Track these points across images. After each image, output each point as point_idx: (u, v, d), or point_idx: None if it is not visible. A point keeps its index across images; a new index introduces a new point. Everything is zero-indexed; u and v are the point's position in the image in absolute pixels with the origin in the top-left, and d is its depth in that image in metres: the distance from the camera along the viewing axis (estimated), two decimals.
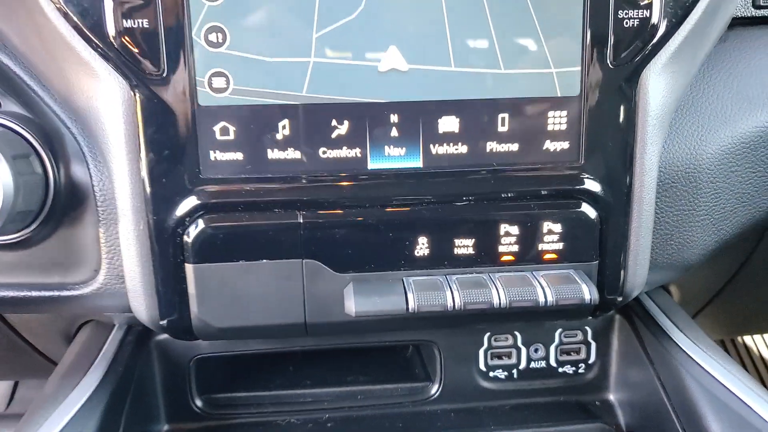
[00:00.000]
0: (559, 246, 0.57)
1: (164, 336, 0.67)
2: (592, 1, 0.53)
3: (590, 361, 0.73)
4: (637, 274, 0.60)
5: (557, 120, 0.55)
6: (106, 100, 0.51)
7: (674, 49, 0.55)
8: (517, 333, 0.71)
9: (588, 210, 0.57)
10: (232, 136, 0.52)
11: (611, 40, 0.53)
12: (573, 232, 0.57)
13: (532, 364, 0.72)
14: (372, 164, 0.54)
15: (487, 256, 0.57)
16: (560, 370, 0.73)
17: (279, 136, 0.53)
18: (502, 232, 0.56)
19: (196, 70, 0.51)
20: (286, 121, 0.53)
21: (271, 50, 0.51)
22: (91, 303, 0.60)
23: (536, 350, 0.72)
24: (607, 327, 0.73)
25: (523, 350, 0.72)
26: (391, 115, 0.53)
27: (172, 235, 0.53)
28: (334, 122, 0.53)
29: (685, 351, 0.64)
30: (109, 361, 0.63)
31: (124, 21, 0.49)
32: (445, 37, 0.52)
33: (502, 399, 0.73)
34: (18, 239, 0.56)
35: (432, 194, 0.55)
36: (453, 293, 0.54)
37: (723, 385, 0.59)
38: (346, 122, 0.53)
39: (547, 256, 0.57)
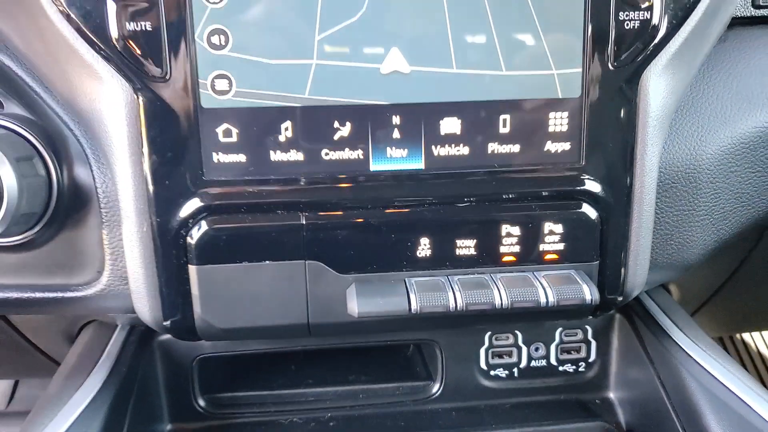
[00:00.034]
0: (560, 246, 0.57)
1: (167, 336, 0.68)
2: (593, 3, 0.53)
3: (590, 360, 0.73)
4: (637, 274, 0.60)
5: (558, 121, 0.55)
6: (109, 102, 0.51)
7: (675, 50, 0.55)
8: (517, 332, 0.72)
9: (589, 210, 0.57)
10: (234, 138, 0.53)
11: (612, 41, 0.54)
12: (574, 232, 0.57)
13: (533, 363, 0.73)
14: (374, 166, 0.54)
15: (488, 257, 0.57)
16: (561, 368, 0.73)
17: (281, 138, 0.53)
18: (503, 233, 0.57)
19: (199, 73, 0.51)
20: (288, 123, 0.53)
21: (273, 52, 0.51)
22: (94, 304, 0.61)
23: (537, 349, 0.73)
24: (607, 326, 0.73)
25: (524, 349, 0.72)
26: (393, 117, 0.54)
27: (176, 237, 0.54)
28: (336, 124, 0.53)
29: (684, 350, 0.65)
30: (113, 362, 0.64)
31: (127, 24, 0.49)
32: (446, 39, 0.52)
33: (503, 397, 0.73)
34: (22, 241, 0.56)
35: (434, 195, 0.56)
36: (455, 294, 0.54)
37: (722, 384, 0.60)
38: (348, 124, 0.53)
39: (548, 257, 0.58)
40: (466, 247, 0.56)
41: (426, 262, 0.56)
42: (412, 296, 0.54)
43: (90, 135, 0.56)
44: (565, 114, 0.55)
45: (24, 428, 0.57)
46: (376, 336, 0.71)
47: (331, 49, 0.52)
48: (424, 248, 0.56)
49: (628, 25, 0.54)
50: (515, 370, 0.73)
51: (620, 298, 0.61)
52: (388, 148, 0.54)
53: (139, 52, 0.50)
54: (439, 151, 0.55)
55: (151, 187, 0.53)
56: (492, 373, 0.73)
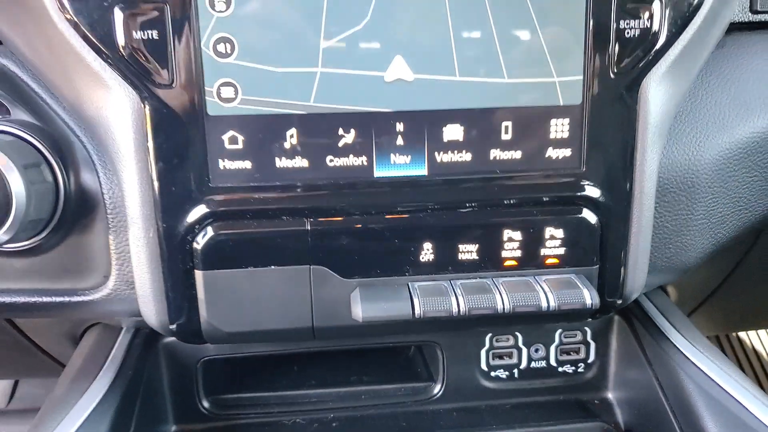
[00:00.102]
0: (561, 251, 0.58)
1: (172, 338, 0.68)
2: (595, 12, 0.53)
3: (589, 361, 0.74)
4: (636, 278, 0.61)
5: (559, 128, 0.56)
6: (115, 110, 0.52)
7: (674, 57, 0.56)
8: (518, 333, 0.73)
9: (589, 216, 0.58)
10: (240, 145, 0.53)
11: (613, 49, 0.54)
12: (574, 237, 0.58)
13: (533, 364, 0.74)
14: (378, 172, 0.55)
15: (490, 261, 0.58)
16: (560, 369, 0.74)
17: (287, 145, 0.54)
18: (505, 238, 0.57)
19: (205, 81, 0.52)
20: (293, 130, 0.53)
21: (278, 60, 0.52)
22: (100, 308, 0.61)
23: (537, 350, 0.74)
24: (606, 327, 0.74)
25: (524, 350, 0.73)
26: (397, 124, 0.54)
27: (182, 243, 0.54)
28: (340, 131, 0.54)
29: (682, 352, 0.66)
30: (119, 365, 0.64)
31: (134, 32, 0.50)
32: (450, 48, 0.53)
33: (503, 398, 0.74)
34: (29, 246, 0.57)
35: (436, 201, 0.56)
36: (458, 298, 0.55)
37: (719, 385, 0.61)
38: (352, 131, 0.54)
39: (549, 261, 0.58)
40: (468, 251, 0.57)
41: (429, 266, 0.57)
42: (416, 301, 0.55)
43: (96, 141, 0.56)
44: (566, 121, 0.56)
45: (32, 431, 0.58)
46: (378, 338, 0.72)
47: (335, 57, 0.52)
48: (427, 253, 0.57)
49: (628, 33, 0.54)
50: (515, 371, 0.74)
51: (619, 301, 0.62)
52: (392, 155, 0.55)
53: (145, 60, 0.51)
54: (442, 157, 0.55)
55: (157, 194, 0.53)
56: (492, 374, 0.74)
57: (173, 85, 0.51)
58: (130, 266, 0.58)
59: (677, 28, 0.55)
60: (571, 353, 0.74)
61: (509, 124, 0.55)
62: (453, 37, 0.53)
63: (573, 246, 0.58)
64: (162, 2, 0.50)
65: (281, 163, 0.54)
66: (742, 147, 0.65)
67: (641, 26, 0.54)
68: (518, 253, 0.58)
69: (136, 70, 0.51)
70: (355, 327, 0.57)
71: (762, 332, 1.73)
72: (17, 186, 0.51)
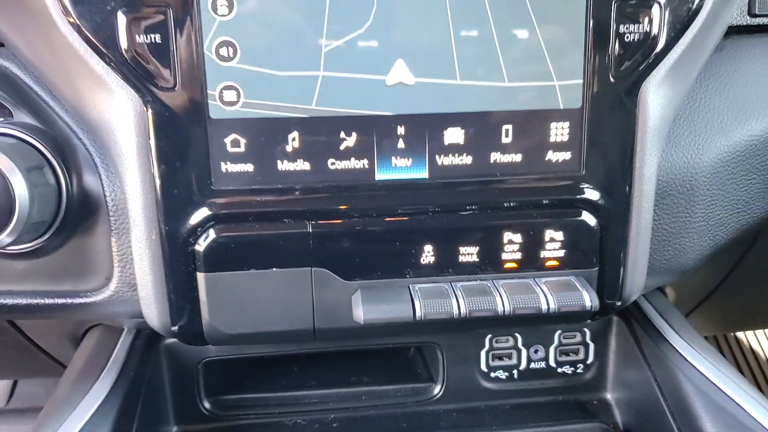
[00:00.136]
0: (561, 253, 0.59)
1: (173, 340, 0.69)
2: (594, 16, 0.54)
3: (588, 362, 0.75)
4: (635, 280, 0.62)
5: (559, 131, 0.56)
6: (118, 113, 0.52)
7: (673, 62, 0.56)
8: (517, 335, 0.73)
9: (588, 218, 0.58)
10: (242, 149, 0.53)
11: (612, 53, 0.55)
12: (574, 239, 0.58)
13: (532, 365, 0.74)
14: (379, 175, 0.55)
15: (490, 264, 0.58)
16: (559, 370, 0.75)
17: (289, 148, 0.54)
18: (505, 240, 0.58)
19: (207, 84, 0.52)
20: (295, 134, 0.54)
21: (281, 64, 0.52)
22: (102, 310, 0.61)
23: (536, 351, 0.74)
24: (605, 328, 0.74)
25: (524, 351, 0.74)
26: (398, 128, 0.55)
27: (184, 245, 0.55)
28: (342, 134, 0.54)
29: (680, 353, 0.66)
30: (120, 366, 0.65)
31: (137, 36, 0.50)
32: (450, 52, 0.53)
33: (503, 399, 0.75)
34: (32, 248, 0.57)
35: (437, 204, 0.57)
36: (458, 301, 0.55)
37: (717, 386, 0.61)
38: (354, 134, 0.54)
39: (549, 263, 0.59)
40: (468, 254, 0.58)
41: (429, 268, 0.57)
42: (417, 303, 0.55)
43: (99, 144, 0.57)
44: (566, 124, 0.56)
45: (35, 431, 0.58)
46: (378, 339, 0.72)
47: (337, 61, 0.52)
48: (428, 255, 0.57)
49: (628, 37, 0.55)
50: (515, 371, 0.74)
51: (618, 303, 0.62)
52: (393, 158, 0.55)
53: (148, 63, 0.51)
54: (443, 160, 0.56)
55: (160, 196, 0.53)
56: (492, 374, 0.74)
57: (176, 88, 0.52)
58: (132, 268, 0.58)
59: (676, 32, 0.55)
60: (570, 354, 0.75)
61: (509, 127, 0.56)
62: (454, 40, 0.53)
63: (573, 248, 0.59)
64: (165, 6, 0.50)
65: (283, 166, 0.54)
66: (740, 150, 0.66)
67: (641, 30, 0.55)
68: (518, 256, 0.58)
69: (138, 73, 0.51)
70: (356, 329, 0.57)
71: (759, 332, 1.74)
72: (20, 189, 0.51)
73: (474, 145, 0.56)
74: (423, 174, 0.56)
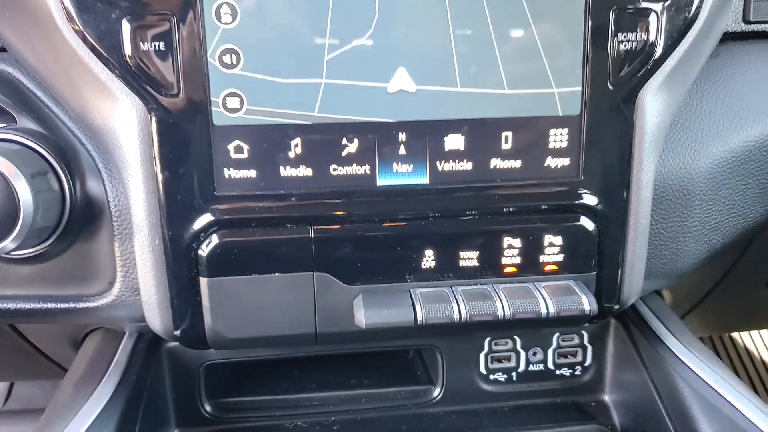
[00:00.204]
0: (560, 258, 0.59)
1: (174, 343, 0.69)
2: (593, 24, 0.55)
3: (586, 364, 0.76)
4: (633, 283, 0.62)
5: (558, 138, 0.57)
6: (122, 119, 0.53)
7: (670, 69, 0.57)
8: (516, 337, 0.74)
9: (587, 223, 0.59)
10: (245, 155, 0.54)
11: (611, 61, 0.56)
12: (572, 244, 0.59)
13: (531, 367, 0.75)
14: (381, 181, 0.56)
15: (490, 268, 0.59)
16: (557, 372, 0.75)
17: (291, 155, 0.55)
18: (504, 245, 0.59)
19: (211, 91, 0.52)
20: (298, 140, 0.54)
21: (284, 72, 0.53)
22: (105, 314, 0.62)
23: (535, 354, 0.75)
24: (603, 331, 0.75)
25: (522, 354, 0.75)
26: (400, 134, 0.55)
27: (187, 250, 0.55)
28: (344, 141, 0.55)
29: (677, 355, 0.67)
30: (123, 370, 0.65)
31: (141, 43, 0.51)
32: (451, 59, 0.54)
33: (502, 401, 0.76)
34: (35, 253, 0.57)
35: (438, 209, 0.57)
36: (459, 305, 0.56)
37: (713, 388, 0.62)
38: (356, 141, 0.55)
39: (548, 268, 0.60)
40: (469, 258, 0.58)
41: (430, 273, 0.58)
42: (418, 307, 0.56)
43: (102, 150, 0.57)
44: (565, 131, 0.57)
45: None
46: (378, 342, 0.73)
47: (339, 69, 0.53)
48: (429, 260, 0.58)
49: (625, 45, 0.55)
50: (514, 374, 0.75)
51: (616, 307, 0.63)
52: (394, 164, 0.56)
53: (152, 71, 0.51)
54: (444, 166, 0.56)
55: (163, 202, 0.54)
56: (491, 377, 0.75)
57: (179, 95, 0.52)
58: (135, 273, 0.59)
59: (673, 40, 0.56)
60: (569, 356, 0.75)
61: (509, 133, 0.56)
62: (455, 48, 0.54)
63: (571, 253, 0.59)
64: (169, 14, 0.50)
65: (286, 172, 0.55)
66: (735, 155, 0.67)
67: (638, 39, 0.56)
68: (518, 260, 0.59)
69: (142, 80, 0.51)
70: (358, 333, 0.58)
71: (754, 333, 1.76)
72: (25, 194, 0.52)
73: (474, 151, 0.56)
74: (424, 180, 0.57)
